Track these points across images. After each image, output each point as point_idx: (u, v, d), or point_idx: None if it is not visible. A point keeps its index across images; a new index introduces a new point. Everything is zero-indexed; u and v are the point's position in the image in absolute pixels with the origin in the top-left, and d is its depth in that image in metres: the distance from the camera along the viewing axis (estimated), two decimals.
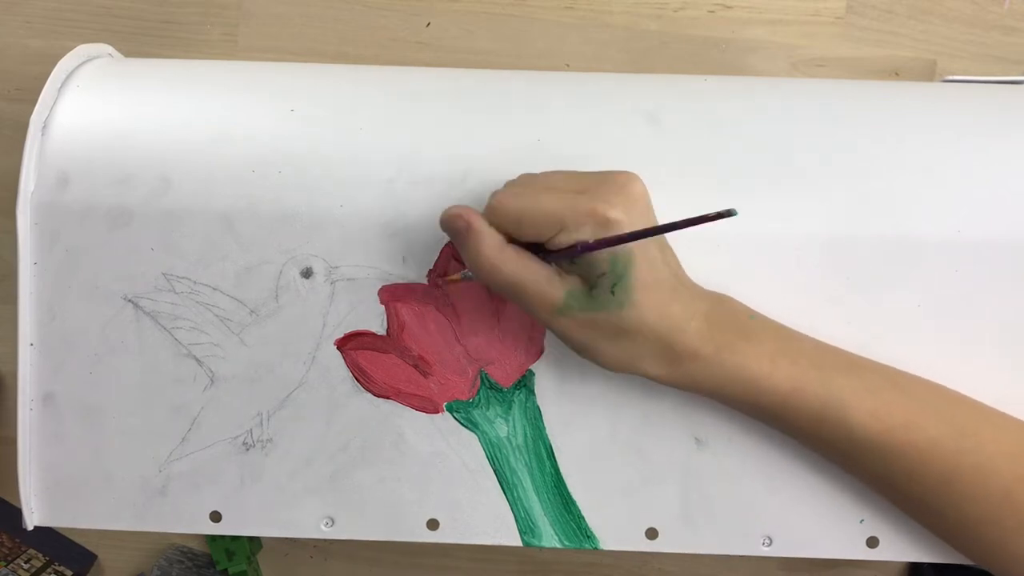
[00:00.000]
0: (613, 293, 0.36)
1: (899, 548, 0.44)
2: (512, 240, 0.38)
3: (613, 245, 0.35)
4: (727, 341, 0.38)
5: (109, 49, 0.50)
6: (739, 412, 0.41)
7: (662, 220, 0.36)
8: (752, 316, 0.40)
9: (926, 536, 0.43)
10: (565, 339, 0.39)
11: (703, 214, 0.32)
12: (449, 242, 0.42)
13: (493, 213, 0.37)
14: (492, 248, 0.37)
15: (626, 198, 0.36)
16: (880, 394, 0.39)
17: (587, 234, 0.36)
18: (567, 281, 0.37)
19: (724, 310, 0.39)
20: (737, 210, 0.31)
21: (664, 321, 0.37)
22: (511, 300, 0.38)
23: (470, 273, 0.39)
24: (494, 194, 0.38)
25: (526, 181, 0.39)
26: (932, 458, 0.38)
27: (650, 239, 0.36)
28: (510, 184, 0.39)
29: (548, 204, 0.36)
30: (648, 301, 0.36)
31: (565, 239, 0.36)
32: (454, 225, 0.37)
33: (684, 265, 0.40)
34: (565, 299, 0.37)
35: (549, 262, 0.37)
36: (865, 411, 0.38)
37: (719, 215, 0.31)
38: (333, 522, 0.44)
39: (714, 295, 0.40)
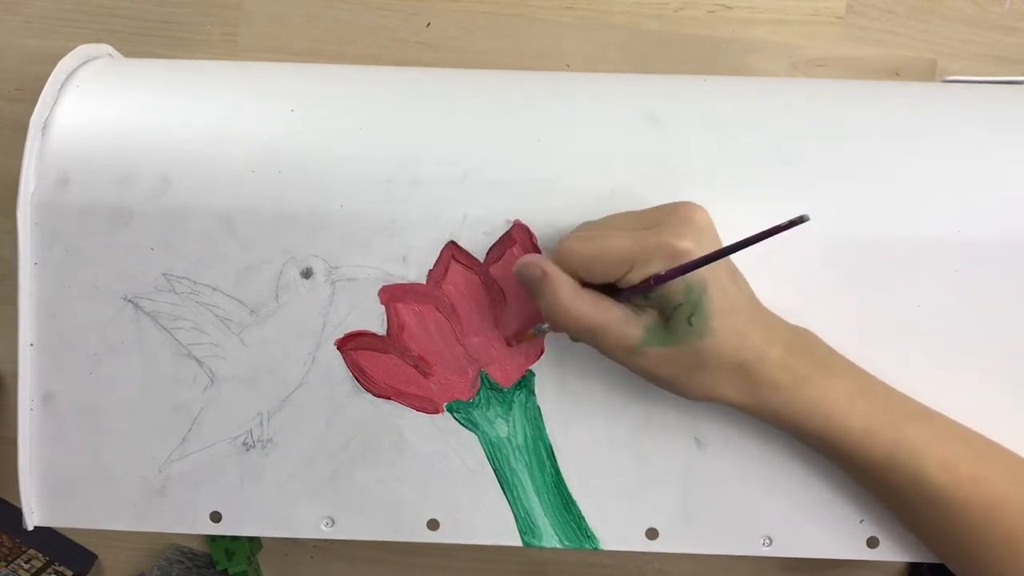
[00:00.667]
0: (690, 324, 0.36)
1: (899, 548, 0.44)
2: (584, 284, 0.38)
3: (685, 272, 0.35)
4: (806, 373, 0.38)
5: (109, 49, 0.50)
6: (811, 447, 0.41)
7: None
8: (829, 353, 0.40)
9: None
10: (647, 376, 0.39)
11: (775, 226, 0.31)
12: (449, 242, 0.42)
13: (564, 259, 0.38)
14: (568, 293, 0.37)
15: (692, 228, 0.36)
16: (949, 445, 0.39)
17: (657, 268, 0.36)
18: (643, 317, 0.37)
19: (803, 342, 0.39)
20: (808, 215, 0.30)
21: (743, 349, 0.37)
22: (589, 343, 0.39)
23: (544, 327, 0.40)
24: (562, 241, 0.38)
25: (591, 225, 0.39)
26: (998, 514, 0.38)
27: (719, 266, 0.36)
28: (575, 231, 0.40)
29: (616, 244, 0.36)
30: (726, 328, 0.36)
31: (636, 276, 0.36)
32: (529, 273, 0.38)
33: None
34: (643, 336, 0.37)
35: (622, 301, 0.38)
36: (935, 460, 0.38)
37: (791, 223, 0.30)
38: (333, 522, 0.44)
39: (793, 326, 0.40)
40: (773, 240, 0.41)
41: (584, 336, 0.38)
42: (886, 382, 0.41)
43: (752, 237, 0.33)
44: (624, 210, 0.40)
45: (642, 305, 0.37)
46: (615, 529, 0.44)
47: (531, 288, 0.38)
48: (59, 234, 0.43)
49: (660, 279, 0.35)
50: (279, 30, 0.58)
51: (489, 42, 0.58)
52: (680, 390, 0.39)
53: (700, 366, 0.37)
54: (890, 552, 0.44)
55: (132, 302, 0.43)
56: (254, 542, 0.62)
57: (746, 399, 0.38)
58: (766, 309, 0.39)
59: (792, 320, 0.40)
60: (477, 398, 0.43)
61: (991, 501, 0.38)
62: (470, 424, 0.43)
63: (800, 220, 0.30)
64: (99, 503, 0.44)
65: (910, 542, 0.44)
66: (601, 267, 0.37)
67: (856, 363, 0.41)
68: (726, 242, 0.37)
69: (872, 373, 0.41)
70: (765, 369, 0.37)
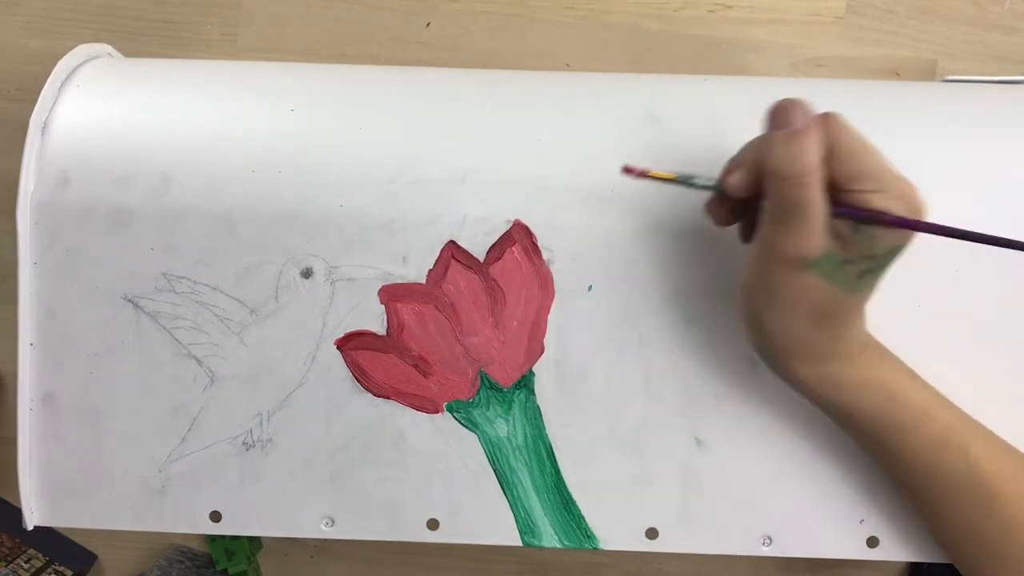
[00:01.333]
0: (860, 278, 0.35)
1: (899, 548, 0.44)
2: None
3: (926, 231, 0.34)
4: (876, 352, 0.39)
5: (109, 49, 0.50)
6: (858, 436, 0.41)
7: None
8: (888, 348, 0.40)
9: (926, 536, 0.43)
10: (774, 286, 0.36)
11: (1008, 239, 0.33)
12: (449, 242, 0.42)
13: (835, 134, 0.34)
14: (816, 158, 0.34)
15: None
16: (995, 441, 0.40)
17: (899, 209, 0.34)
18: (830, 241, 0.35)
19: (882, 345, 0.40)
20: None
21: (858, 319, 0.37)
22: (775, 220, 0.35)
23: (697, 180, 0.38)
24: (831, 116, 0.35)
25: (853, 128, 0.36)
26: None
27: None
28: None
29: (882, 161, 0.35)
30: (866, 297, 0.37)
31: (880, 201, 0.34)
32: (791, 115, 0.35)
33: (687, 264, 0.40)
34: (821, 256, 0.35)
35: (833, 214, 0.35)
36: (984, 450, 0.39)
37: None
38: (333, 522, 0.44)
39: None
40: None
41: (787, 209, 0.35)
42: None
43: (994, 238, 0.34)
44: (623, 210, 0.40)
45: (835, 229, 0.35)
46: (615, 529, 0.44)
47: (776, 124, 0.35)
48: (59, 234, 0.43)
49: (900, 222, 0.34)
50: (279, 30, 0.58)
51: (489, 42, 0.58)
52: (775, 322, 0.37)
53: (822, 317, 0.36)
54: (890, 552, 0.44)
55: (132, 302, 0.43)
56: (254, 542, 0.62)
57: (815, 371, 0.38)
58: None
59: None
60: (477, 398, 0.43)
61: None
62: (470, 424, 0.43)
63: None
64: (99, 503, 0.44)
65: (910, 542, 0.44)
66: (858, 168, 0.34)
67: None
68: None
69: None
70: (856, 338, 0.38)
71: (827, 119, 0.35)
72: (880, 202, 0.34)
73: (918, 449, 0.39)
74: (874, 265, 0.35)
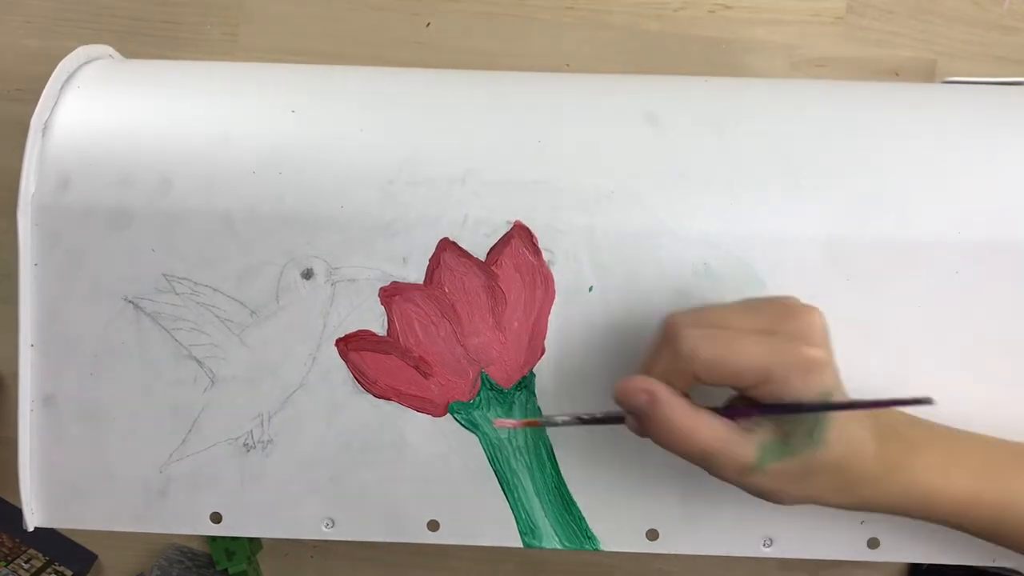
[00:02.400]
0: (812, 437, 0.34)
1: (900, 549, 0.44)
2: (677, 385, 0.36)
3: (838, 409, 0.34)
4: (897, 459, 0.36)
5: (110, 50, 0.50)
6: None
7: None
8: (912, 424, 0.38)
9: (927, 537, 0.43)
10: (752, 491, 0.37)
11: (900, 398, 0.33)
12: (450, 243, 0.42)
13: (686, 360, 0.34)
14: (685, 419, 0.35)
15: (818, 333, 0.35)
16: None
17: (796, 381, 0.34)
18: (757, 435, 0.35)
19: (889, 425, 0.37)
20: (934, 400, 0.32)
21: (846, 455, 0.35)
22: (695, 464, 0.36)
23: (556, 419, 0.38)
24: (681, 337, 0.35)
25: (707, 320, 0.36)
26: None
27: (836, 370, 0.35)
28: (686, 322, 0.36)
29: (750, 352, 0.34)
30: (836, 435, 0.35)
31: (771, 390, 0.34)
32: (635, 401, 0.35)
33: (688, 265, 0.39)
34: (760, 455, 0.35)
35: (733, 415, 0.36)
36: None
37: (917, 401, 0.32)
38: (333, 523, 0.44)
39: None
40: (773, 240, 0.42)
41: (694, 458, 0.36)
42: (973, 432, 0.39)
43: (879, 401, 0.34)
44: (623, 210, 0.40)
45: (756, 422, 0.35)
46: (615, 530, 0.44)
47: (637, 415, 0.36)
48: (60, 235, 0.43)
49: (811, 407, 0.34)
50: (279, 30, 0.58)
51: (489, 42, 0.58)
52: (782, 499, 0.36)
53: (807, 475, 0.35)
54: (890, 552, 0.44)
55: (133, 303, 0.43)
56: (254, 542, 0.62)
57: (843, 498, 0.37)
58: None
59: None
60: (478, 399, 0.43)
61: None
62: (471, 425, 0.43)
63: (926, 401, 0.32)
64: (100, 504, 0.44)
65: (911, 543, 0.44)
66: (729, 374, 0.34)
67: (856, 367, 0.40)
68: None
69: (956, 428, 0.39)
70: (864, 466, 0.36)
71: (680, 348, 0.34)
72: (771, 389, 0.34)
73: (977, 533, 0.38)
74: (813, 421, 0.34)
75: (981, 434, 0.39)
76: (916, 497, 0.37)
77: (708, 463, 0.36)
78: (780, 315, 0.35)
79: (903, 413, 0.39)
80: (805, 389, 0.34)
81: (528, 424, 0.39)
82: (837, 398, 0.34)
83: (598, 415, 0.38)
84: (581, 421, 0.38)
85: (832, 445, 0.34)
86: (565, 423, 0.38)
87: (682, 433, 0.35)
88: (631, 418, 0.37)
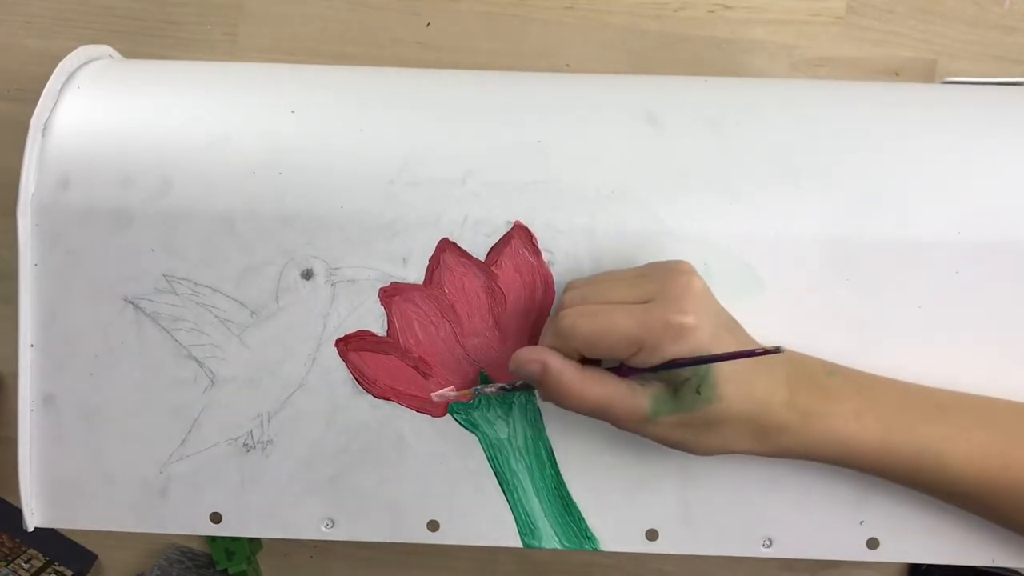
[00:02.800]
0: (699, 392, 0.37)
1: (900, 549, 0.44)
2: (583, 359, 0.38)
3: (696, 364, 0.36)
4: (810, 407, 0.38)
5: (110, 50, 0.50)
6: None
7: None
8: (831, 372, 0.40)
9: (927, 537, 0.43)
10: (658, 441, 0.39)
11: (751, 349, 0.35)
12: (450, 243, 0.42)
13: (566, 338, 0.37)
14: (573, 381, 0.37)
15: (693, 299, 0.36)
16: (973, 435, 0.39)
17: (666, 348, 0.36)
18: (649, 388, 0.38)
19: (802, 371, 0.39)
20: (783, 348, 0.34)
21: (750, 404, 0.37)
22: (598, 418, 0.39)
23: (484, 388, 0.40)
24: (562, 316, 0.38)
25: (587, 295, 0.39)
26: None
27: (721, 328, 0.37)
28: (570, 298, 0.39)
29: (622, 324, 0.36)
30: (733, 389, 0.37)
31: (645, 358, 0.36)
32: (527, 371, 0.38)
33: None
34: (652, 407, 0.37)
35: (625, 375, 0.38)
36: (960, 455, 0.38)
37: (765, 351, 0.34)
38: (333, 523, 0.44)
39: (788, 355, 0.39)
40: (773, 239, 0.42)
41: (593, 414, 0.38)
42: (895, 380, 0.41)
43: (735, 353, 0.35)
44: (623, 210, 0.40)
45: (648, 377, 0.38)
46: (615, 530, 0.44)
47: (532, 382, 0.38)
48: (60, 236, 0.43)
49: (672, 366, 0.36)
50: (279, 30, 0.58)
51: (489, 42, 0.58)
52: (692, 449, 0.39)
53: (711, 427, 0.38)
54: (890, 553, 0.44)
55: (133, 303, 0.43)
56: (254, 542, 0.62)
57: (758, 446, 0.39)
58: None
59: (791, 320, 0.41)
60: (477, 399, 0.43)
61: None
62: (470, 425, 0.43)
63: (775, 350, 0.33)
64: (99, 504, 0.44)
65: (911, 543, 0.44)
66: (606, 347, 0.37)
67: (856, 367, 0.41)
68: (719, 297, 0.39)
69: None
70: (773, 415, 0.38)
71: (559, 327, 0.37)
72: (646, 357, 0.36)
73: (894, 478, 0.40)
74: (698, 379, 0.37)
75: (902, 381, 0.41)
76: (832, 443, 0.38)
77: (607, 417, 0.38)
78: (658, 282, 0.37)
79: (824, 362, 0.40)
80: (677, 354, 0.36)
81: (463, 398, 0.41)
82: (716, 365, 0.36)
83: (517, 384, 0.40)
84: (503, 389, 0.40)
85: (730, 399, 0.37)
86: (492, 392, 0.41)
87: (574, 393, 0.37)
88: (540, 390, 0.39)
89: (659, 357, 0.36)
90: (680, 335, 0.35)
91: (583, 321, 0.37)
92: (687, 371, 0.36)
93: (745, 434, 0.38)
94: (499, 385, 0.40)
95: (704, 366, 0.36)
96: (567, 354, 0.38)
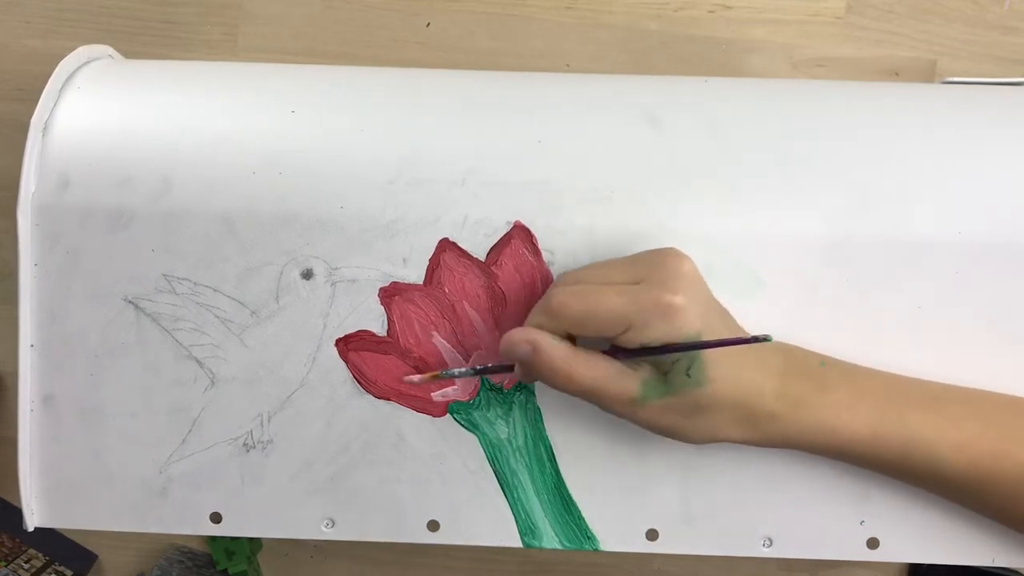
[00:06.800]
0: (689, 375, 0.37)
1: (900, 549, 0.44)
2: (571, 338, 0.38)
3: (686, 349, 0.36)
4: (802, 396, 0.38)
5: (110, 51, 0.50)
6: (828, 459, 0.41)
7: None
8: (822, 363, 0.40)
9: (927, 537, 0.43)
10: (647, 427, 0.39)
11: (741, 337, 0.35)
12: (449, 243, 0.42)
13: (556, 316, 0.37)
14: (563, 361, 0.37)
15: (683, 281, 0.36)
16: (963, 425, 0.39)
17: (655, 327, 0.36)
18: (639, 372, 0.38)
19: (794, 362, 0.39)
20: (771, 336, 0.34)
21: (740, 390, 0.37)
22: (587, 400, 0.39)
23: (454, 371, 0.41)
24: (552, 295, 0.38)
25: (580, 278, 0.39)
26: None
27: (712, 312, 0.37)
28: (563, 283, 0.39)
29: (612, 303, 0.36)
30: (723, 373, 0.37)
31: (635, 337, 0.36)
32: (517, 352, 0.38)
33: None
34: (641, 390, 0.37)
35: (617, 357, 0.38)
36: (950, 445, 0.38)
37: (755, 339, 0.34)
38: (333, 523, 0.44)
39: (781, 346, 0.40)
40: (773, 241, 0.42)
41: (583, 395, 0.38)
42: (882, 371, 0.41)
43: (725, 340, 0.36)
44: (623, 210, 0.40)
45: (637, 360, 0.38)
46: (615, 530, 0.44)
47: (522, 366, 0.38)
48: (60, 236, 0.43)
49: (660, 351, 0.36)
50: (279, 30, 0.58)
51: (489, 42, 0.58)
52: (683, 436, 0.39)
53: (700, 412, 0.38)
54: (890, 553, 0.44)
55: (133, 303, 0.43)
56: (254, 542, 0.62)
57: (749, 434, 0.39)
58: None
59: (791, 321, 0.41)
60: (477, 399, 0.43)
61: (1015, 472, 0.38)
62: (470, 425, 0.43)
63: (764, 339, 0.34)
64: (99, 504, 0.44)
65: (911, 543, 0.44)
66: (595, 325, 0.37)
67: (850, 361, 0.41)
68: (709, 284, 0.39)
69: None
70: (764, 403, 0.38)
71: (549, 306, 0.38)
72: (635, 336, 0.36)
73: (885, 469, 0.40)
74: (688, 361, 0.37)
75: (889, 372, 0.41)
76: (823, 432, 0.38)
77: (596, 399, 0.38)
78: (649, 266, 0.38)
79: (815, 354, 0.41)
80: (666, 334, 0.36)
81: (432, 378, 0.42)
82: (708, 339, 0.36)
83: (490, 365, 0.41)
84: (476, 372, 0.41)
85: (719, 384, 0.37)
86: (462, 374, 0.41)
87: (564, 374, 0.37)
88: (518, 366, 0.39)
89: (647, 336, 0.36)
90: (669, 314, 0.35)
91: (573, 299, 0.37)
92: (676, 353, 0.36)
93: (735, 421, 0.38)
94: (471, 368, 0.41)
95: (690, 345, 0.36)
96: (556, 334, 0.38)
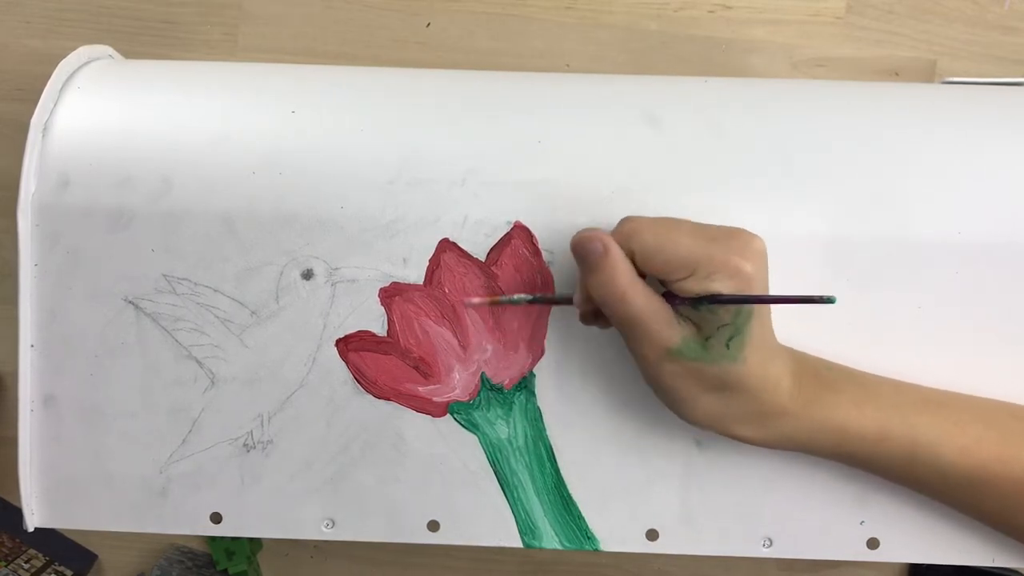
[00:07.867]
0: (728, 346, 0.36)
1: (900, 549, 0.44)
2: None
3: (746, 302, 0.35)
4: (811, 395, 0.38)
5: (110, 51, 0.50)
6: (831, 460, 0.41)
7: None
8: (828, 368, 0.40)
9: (927, 537, 0.43)
10: (662, 384, 0.38)
11: (808, 295, 0.34)
12: (449, 243, 0.42)
13: (630, 239, 0.36)
14: (626, 277, 0.36)
15: (755, 254, 0.36)
16: (967, 429, 0.39)
17: (719, 283, 0.35)
18: (684, 327, 0.37)
19: (804, 366, 0.40)
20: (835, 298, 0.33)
21: (762, 380, 0.37)
22: (623, 332, 0.38)
23: (517, 297, 0.40)
24: (627, 219, 0.37)
25: (657, 219, 0.38)
26: None
27: (768, 285, 0.37)
28: (639, 217, 0.38)
29: (686, 246, 0.36)
30: (755, 358, 0.37)
31: (695, 285, 0.35)
32: (589, 247, 0.37)
33: None
34: (680, 344, 0.37)
35: (669, 303, 0.37)
36: (955, 449, 0.38)
37: (819, 299, 0.33)
38: (333, 523, 0.44)
39: (790, 351, 0.40)
40: (773, 239, 0.42)
41: (625, 323, 0.37)
42: (890, 377, 0.41)
43: (789, 297, 0.35)
44: (623, 210, 0.40)
45: (685, 315, 0.37)
46: (615, 530, 0.44)
47: (586, 262, 0.37)
48: (60, 236, 0.43)
49: (721, 299, 0.35)
50: (279, 30, 0.58)
51: (489, 42, 0.58)
52: (689, 408, 0.38)
53: (719, 389, 0.37)
54: (890, 553, 0.44)
55: (133, 303, 0.43)
56: (254, 542, 0.62)
57: (756, 431, 0.39)
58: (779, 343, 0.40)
59: (792, 321, 0.41)
60: (477, 399, 0.43)
61: (1019, 476, 0.38)
62: (470, 425, 0.43)
63: (828, 300, 0.32)
64: (99, 504, 0.44)
65: (911, 543, 0.44)
66: (662, 261, 0.36)
67: (855, 366, 0.41)
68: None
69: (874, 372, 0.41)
70: (778, 399, 0.38)
71: (623, 228, 0.37)
72: (695, 284, 0.35)
73: (889, 470, 0.40)
74: (733, 331, 0.36)
75: (892, 378, 0.41)
76: (831, 432, 0.38)
77: (636, 330, 0.37)
78: (725, 232, 0.37)
79: (821, 359, 0.41)
80: (726, 291, 0.35)
81: (491, 302, 0.42)
82: (752, 324, 0.36)
83: (549, 296, 0.41)
84: (535, 299, 0.41)
85: (750, 365, 0.36)
86: (521, 299, 0.41)
87: (621, 290, 0.36)
88: (580, 267, 0.38)
89: (706, 288, 0.35)
90: (735, 275, 0.35)
91: (648, 229, 0.36)
92: (727, 317, 0.36)
93: (747, 412, 0.38)
94: (531, 295, 0.41)
95: (744, 316, 0.36)
96: None
